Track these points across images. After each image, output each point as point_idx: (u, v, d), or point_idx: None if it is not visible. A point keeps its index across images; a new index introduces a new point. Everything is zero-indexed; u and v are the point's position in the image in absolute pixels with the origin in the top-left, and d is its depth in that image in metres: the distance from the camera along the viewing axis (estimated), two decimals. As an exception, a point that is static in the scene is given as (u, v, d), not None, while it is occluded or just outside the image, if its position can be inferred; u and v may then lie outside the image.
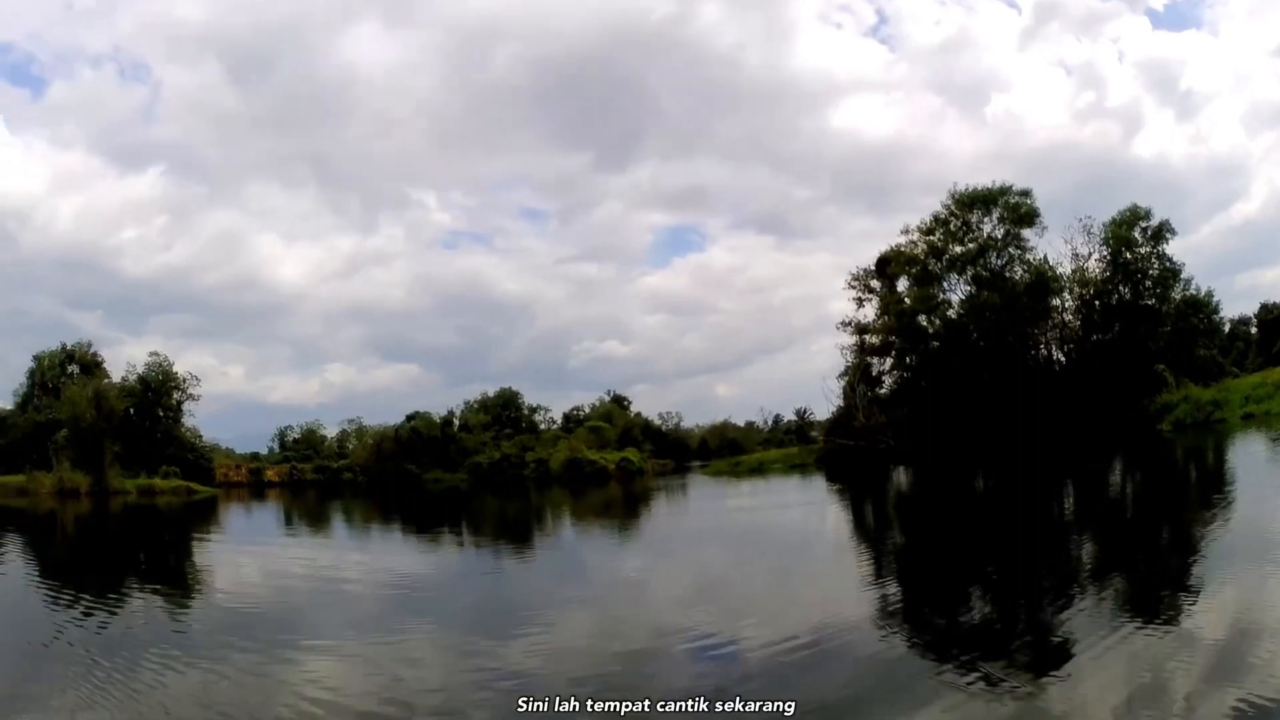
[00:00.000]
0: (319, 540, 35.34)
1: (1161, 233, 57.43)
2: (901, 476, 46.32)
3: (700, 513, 40.39)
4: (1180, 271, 57.81)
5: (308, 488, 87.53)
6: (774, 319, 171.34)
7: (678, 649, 11.85)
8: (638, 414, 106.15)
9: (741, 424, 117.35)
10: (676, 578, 19.60)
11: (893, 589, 16.38)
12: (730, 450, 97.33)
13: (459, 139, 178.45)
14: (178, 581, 21.99)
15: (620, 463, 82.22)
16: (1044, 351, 60.01)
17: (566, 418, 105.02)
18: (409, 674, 11.10)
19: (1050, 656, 10.32)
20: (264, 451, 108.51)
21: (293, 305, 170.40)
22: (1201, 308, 58.44)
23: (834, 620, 12.81)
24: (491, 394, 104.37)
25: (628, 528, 34.37)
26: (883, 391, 62.79)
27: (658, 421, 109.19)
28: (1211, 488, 25.43)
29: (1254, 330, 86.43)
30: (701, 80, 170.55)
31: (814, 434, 78.65)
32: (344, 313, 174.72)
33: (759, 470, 67.67)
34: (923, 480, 42.88)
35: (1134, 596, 12.93)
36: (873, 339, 61.52)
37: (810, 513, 34.40)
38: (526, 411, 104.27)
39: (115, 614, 16.24)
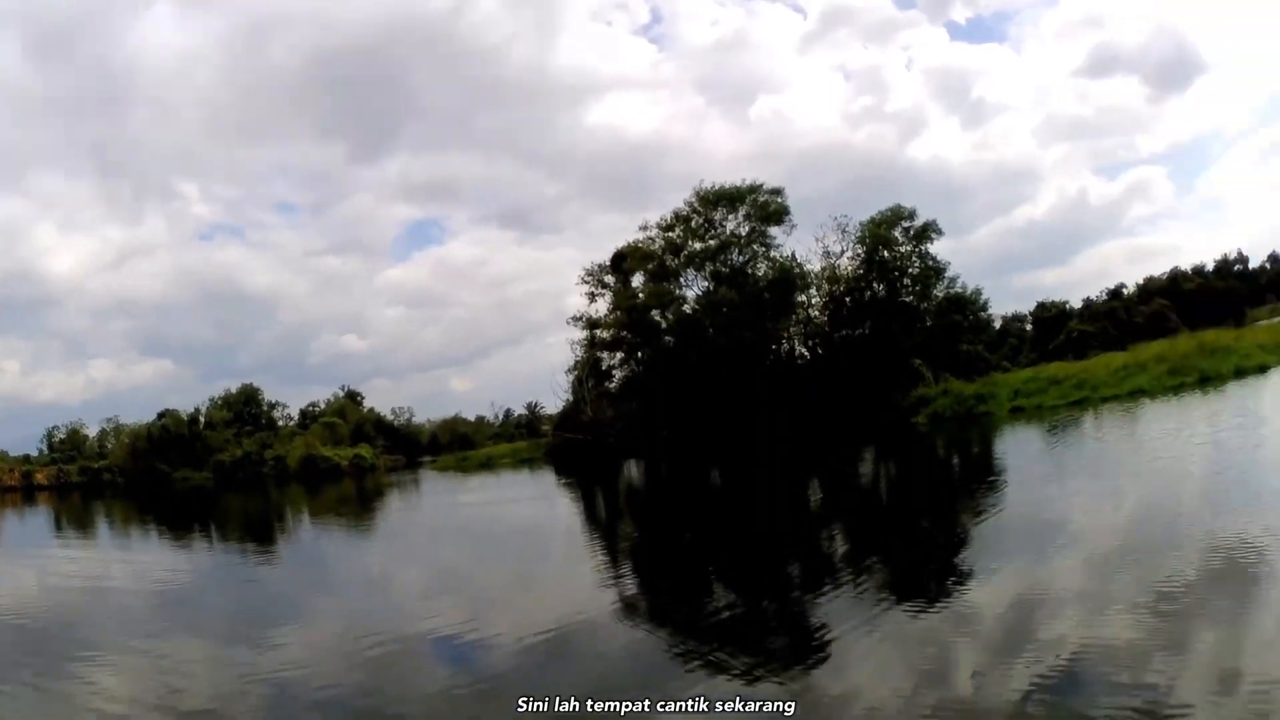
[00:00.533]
0: (85, 546, 34.94)
1: (926, 232, 56.97)
2: (633, 470, 45.67)
3: (433, 509, 40.31)
4: (944, 270, 57.58)
5: (74, 490, 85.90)
6: (513, 313, 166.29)
7: (428, 646, 11.90)
8: (371, 409, 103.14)
9: (473, 418, 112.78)
10: (417, 574, 19.86)
11: (632, 581, 16.34)
12: (461, 445, 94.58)
13: (229, 130, 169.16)
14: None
15: (353, 459, 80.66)
16: (787, 347, 59.32)
17: (303, 414, 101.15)
18: (180, 681, 11.17)
19: (814, 643, 10.21)
20: (35, 453, 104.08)
21: (64, 298, 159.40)
22: (966, 305, 58.25)
23: (578, 613, 12.89)
24: (235, 390, 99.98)
25: (364, 525, 34.38)
26: (612, 386, 61.38)
27: (390, 417, 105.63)
28: (977, 477, 25.74)
29: (1029, 327, 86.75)
30: (466, 75, 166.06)
31: (544, 428, 75.10)
32: (111, 307, 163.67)
33: (487, 465, 66.71)
34: (654, 474, 42.72)
35: (899, 583, 12.84)
36: (604, 334, 59.95)
37: (542, 507, 34.39)
38: (266, 408, 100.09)
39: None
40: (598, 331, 59.63)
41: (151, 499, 62.13)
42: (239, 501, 54.44)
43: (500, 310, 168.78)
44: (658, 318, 57.21)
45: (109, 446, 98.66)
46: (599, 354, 60.29)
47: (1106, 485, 18.80)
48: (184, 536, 34.05)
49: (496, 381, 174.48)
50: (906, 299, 56.95)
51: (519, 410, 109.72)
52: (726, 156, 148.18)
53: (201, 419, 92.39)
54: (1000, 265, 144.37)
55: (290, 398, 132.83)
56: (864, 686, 8.41)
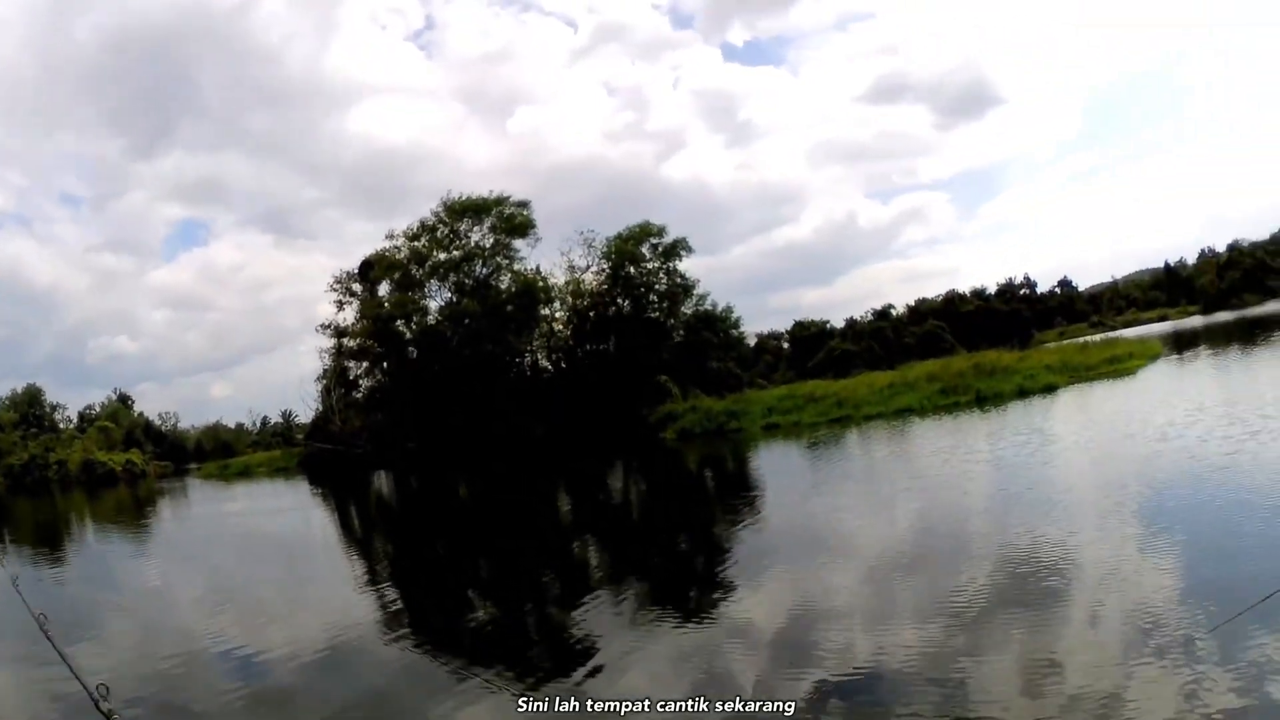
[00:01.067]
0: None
1: (675, 250, 58.30)
2: (383, 481, 46.07)
3: (202, 518, 40.29)
4: (693, 287, 59.01)
5: None
6: (268, 319, 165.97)
7: (216, 660, 12.07)
8: (140, 413, 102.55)
9: (233, 425, 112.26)
10: (196, 585, 19.52)
11: (393, 593, 16.48)
12: (223, 452, 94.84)
13: (28, 111, 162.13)
14: None
15: (126, 464, 79.59)
16: (531, 360, 59.74)
17: (81, 417, 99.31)
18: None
19: (579, 654, 10.44)
20: None
21: None
22: (717, 322, 59.77)
23: (346, 625, 13.18)
24: (20, 391, 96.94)
25: (143, 535, 34.13)
26: (360, 396, 61.53)
27: (158, 422, 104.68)
28: (733, 490, 25.95)
29: (786, 345, 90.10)
30: (244, 73, 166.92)
31: (298, 437, 75.99)
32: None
33: (246, 474, 67.09)
34: (404, 485, 42.98)
35: (661, 594, 13.14)
36: (351, 343, 60.04)
37: (300, 518, 34.66)
38: (49, 410, 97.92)
39: None
40: (345, 340, 60.02)
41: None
42: (29, 508, 53.99)
43: (256, 315, 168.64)
44: (402, 328, 57.55)
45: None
46: (347, 363, 60.75)
47: (875, 499, 18.94)
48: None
49: (254, 389, 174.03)
50: (653, 315, 58.01)
51: (275, 418, 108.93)
52: (482, 167, 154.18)
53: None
54: (759, 283, 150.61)
55: (72, 399, 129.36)
56: (634, 696, 8.50)
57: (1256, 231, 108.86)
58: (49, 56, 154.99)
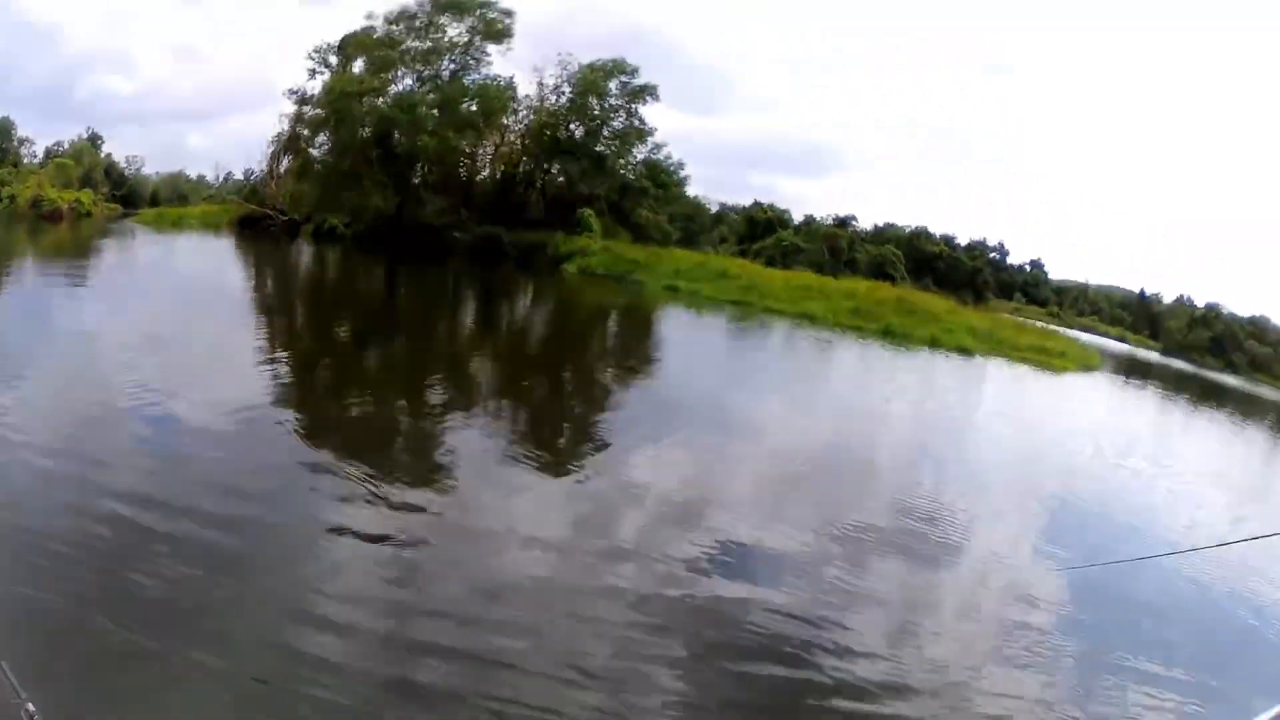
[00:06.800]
0: None
1: (642, 93, 58.77)
2: (302, 252, 49.37)
3: (141, 266, 39.80)
4: (650, 134, 59.81)
5: None
6: (261, 74, 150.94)
7: (127, 413, 12.43)
8: (108, 154, 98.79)
9: (195, 177, 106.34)
10: (124, 335, 19.07)
11: (285, 370, 17.38)
12: (180, 202, 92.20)
13: None
14: None
15: (73, 203, 77.29)
16: (477, 165, 61.40)
17: (47, 153, 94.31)
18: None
19: (440, 470, 11.90)
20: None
21: None
22: (660, 173, 61.37)
23: (255, 397, 14.16)
24: None
25: (77, 273, 33.34)
26: (316, 165, 59.95)
27: (123, 165, 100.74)
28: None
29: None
30: None
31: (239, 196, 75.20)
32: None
33: (179, 224, 67.82)
34: (322, 260, 46.25)
35: (536, 438, 14.28)
36: (310, 111, 59.30)
37: (211, 270, 36.15)
38: (16, 144, 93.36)
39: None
40: (305, 108, 58.92)
41: None
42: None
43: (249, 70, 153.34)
44: (359, 107, 55.57)
45: None
46: (301, 130, 59.42)
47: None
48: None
49: (230, 145, 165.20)
50: (601, 149, 58.26)
51: (238, 175, 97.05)
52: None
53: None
54: (747, 157, 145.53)
55: (55, 134, 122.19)
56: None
57: (1239, 306, 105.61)
58: None
